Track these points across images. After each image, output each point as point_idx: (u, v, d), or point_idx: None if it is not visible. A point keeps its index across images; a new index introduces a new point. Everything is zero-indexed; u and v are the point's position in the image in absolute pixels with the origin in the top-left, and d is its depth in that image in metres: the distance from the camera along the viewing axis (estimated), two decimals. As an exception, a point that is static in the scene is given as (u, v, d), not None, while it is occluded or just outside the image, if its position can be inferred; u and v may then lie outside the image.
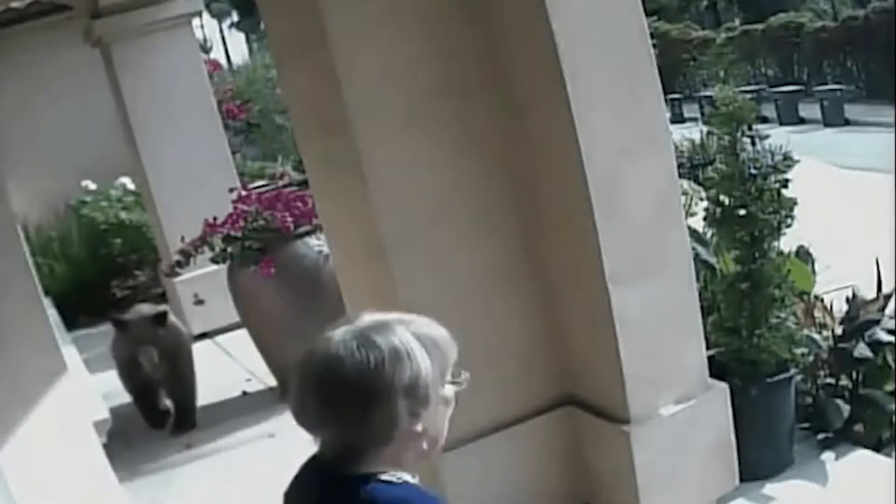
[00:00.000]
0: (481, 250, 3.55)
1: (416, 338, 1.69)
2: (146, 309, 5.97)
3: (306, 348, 1.69)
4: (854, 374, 4.21)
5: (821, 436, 4.06)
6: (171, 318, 5.78)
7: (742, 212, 3.85)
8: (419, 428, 1.65)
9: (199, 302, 7.19)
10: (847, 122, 19.29)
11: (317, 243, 5.63)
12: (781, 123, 19.42)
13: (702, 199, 4.60)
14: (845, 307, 4.43)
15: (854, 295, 4.44)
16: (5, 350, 4.50)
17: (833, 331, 4.29)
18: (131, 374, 5.68)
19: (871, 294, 4.49)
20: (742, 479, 3.63)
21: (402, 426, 1.63)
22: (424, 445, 1.69)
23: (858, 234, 7.77)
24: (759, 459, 3.76)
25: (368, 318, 1.71)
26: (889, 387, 4.18)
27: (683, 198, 4.60)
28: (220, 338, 7.35)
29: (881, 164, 10.54)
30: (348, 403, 1.61)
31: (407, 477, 1.70)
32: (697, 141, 12.43)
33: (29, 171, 9.73)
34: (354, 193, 3.51)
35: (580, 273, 3.44)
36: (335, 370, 1.61)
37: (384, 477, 1.66)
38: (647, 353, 3.40)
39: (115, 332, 5.66)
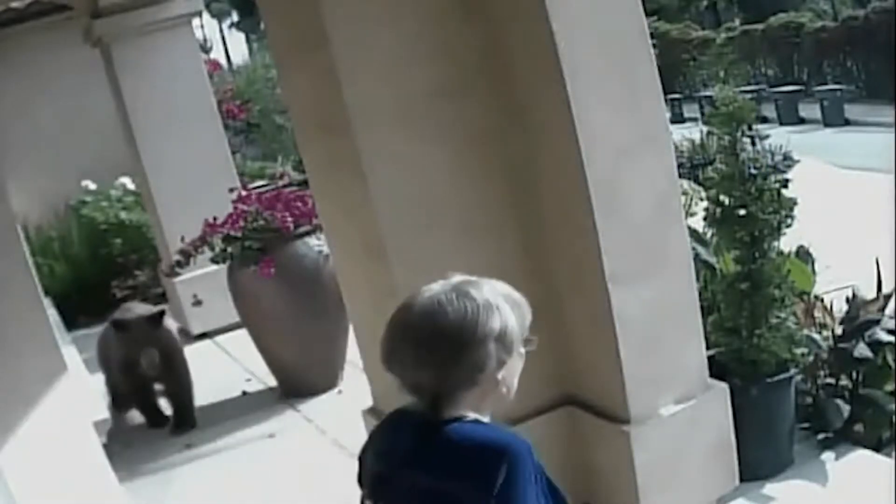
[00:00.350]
0: (481, 250, 3.55)
1: (503, 295, 1.93)
2: (140, 308, 5.98)
3: (403, 302, 1.95)
4: (854, 374, 4.21)
5: (821, 436, 4.06)
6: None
7: (742, 212, 3.85)
8: (500, 375, 1.88)
9: (198, 303, 7.19)
10: (847, 122, 19.30)
11: (317, 243, 5.63)
12: (781, 123, 19.45)
13: (702, 199, 4.60)
14: (845, 307, 4.43)
15: (854, 295, 4.44)
16: (5, 350, 4.50)
17: (833, 331, 4.29)
18: (130, 375, 5.68)
19: (871, 294, 4.49)
20: (742, 479, 3.64)
21: (488, 371, 1.85)
22: (504, 391, 1.92)
23: (858, 234, 7.77)
24: (759, 459, 3.76)
25: (459, 277, 1.99)
26: (889, 387, 4.18)
27: (683, 198, 4.60)
28: (220, 338, 7.35)
29: (881, 164, 10.55)
30: (446, 346, 1.82)
31: (487, 420, 1.92)
32: (697, 141, 12.43)
33: (29, 171, 9.74)
34: (354, 193, 3.51)
35: (580, 273, 3.44)
36: (437, 317, 1.84)
37: (472, 416, 1.88)
38: (647, 353, 3.40)
39: (114, 332, 5.64)
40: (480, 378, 1.85)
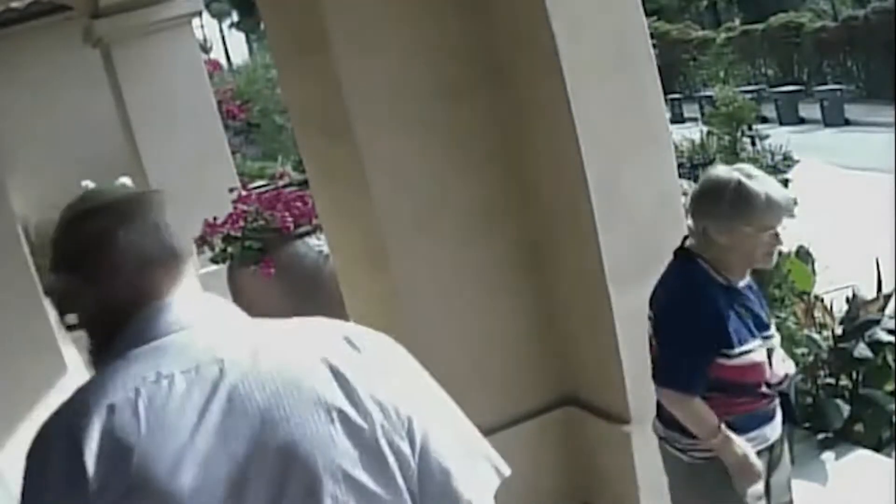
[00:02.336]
0: (481, 250, 3.55)
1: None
2: None
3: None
4: (854, 374, 4.21)
5: (821, 436, 4.06)
6: None
7: (742, 212, 3.85)
8: (725, 241, 2.45)
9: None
10: (847, 122, 19.30)
11: (317, 243, 5.64)
12: (781, 123, 19.44)
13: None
14: (845, 307, 4.44)
15: (854, 295, 4.44)
16: (6, 350, 4.50)
17: (833, 331, 4.29)
18: None
19: (871, 294, 4.49)
20: (742, 479, 3.63)
21: (722, 231, 2.45)
22: (733, 257, 2.47)
23: (858, 234, 7.77)
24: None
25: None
26: (889, 387, 4.18)
27: (683, 197, 4.59)
28: (220, 338, 7.33)
29: (881, 164, 10.56)
30: (713, 200, 2.45)
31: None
32: (697, 141, 12.41)
33: (29, 172, 9.73)
34: (354, 194, 3.51)
35: (580, 273, 3.44)
36: (712, 182, 2.49)
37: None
38: (648, 352, 3.40)
39: None
40: (718, 237, 2.50)
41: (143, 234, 1.37)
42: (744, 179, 2.44)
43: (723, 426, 2.50)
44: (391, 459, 1.31)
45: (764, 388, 2.56)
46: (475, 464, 1.41)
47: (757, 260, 2.53)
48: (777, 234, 2.48)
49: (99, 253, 1.36)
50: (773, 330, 2.59)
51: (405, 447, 1.33)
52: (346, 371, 1.33)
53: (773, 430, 2.63)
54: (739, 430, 2.54)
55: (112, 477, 1.20)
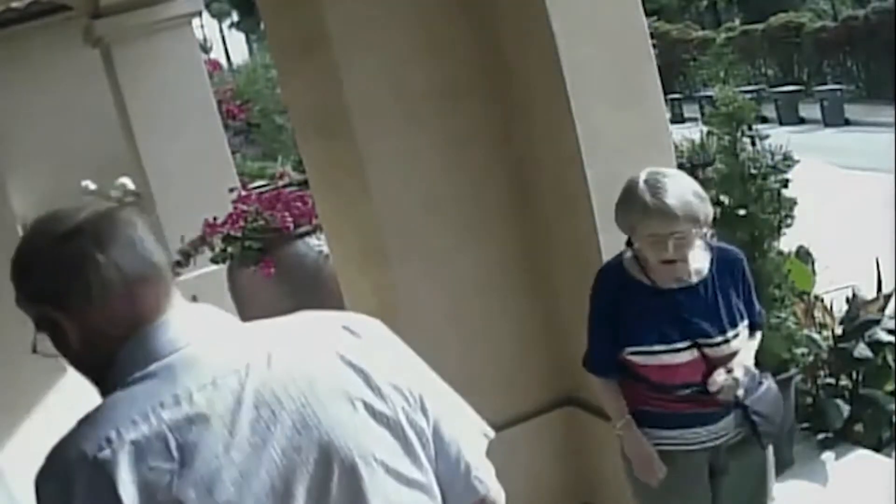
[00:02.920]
0: (481, 250, 3.55)
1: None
2: None
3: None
4: (854, 374, 4.21)
5: (821, 436, 4.06)
6: None
7: (742, 212, 3.85)
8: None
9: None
10: (847, 122, 19.28)
11: (317, 243, 5.63)
12: (781, 123, 19.41)
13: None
14: (845, 307, 4.43)
15: (854, 295, 4.44)
16: (6, 350, 4.50)
17: (833, 331, 4.29)
18: None
19: (871, 294, 4.49)
20: (742, 479, 3.63)
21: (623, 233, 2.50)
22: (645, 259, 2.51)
23: (858, 234, 7.77)
24: (759, 459, 3.76)
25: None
26: (889, 387, 4.18)
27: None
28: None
29: (881, 164, 10.55)
30: (617, 201, 2.50)
31: None
32: (697, 141, 12.41)
33: (29, 171, 9.73)
34: (354, 194, 3.51)
35: (580, 273, 3.44)
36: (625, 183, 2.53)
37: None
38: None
39: None
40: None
41: (122, 253, 1.28)
42: (640, 183, 2.42)
43: (628, 416, 2.59)
44: (414, 439, 1.35)
45: (685, 392, 2.54)
46: (473, 430, 1.48)
47: (657, 266, 2.49)
48: (663, 243, 2.40)
49: (78, 280, 1.26)
50: (719, 338, 2.52)
51: (423, 424, 1.37)
52: (359, 361, 1.35)
53: (712, 434, 2.58)
54: (656, 425, 2.59)
55: None
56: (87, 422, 1.24)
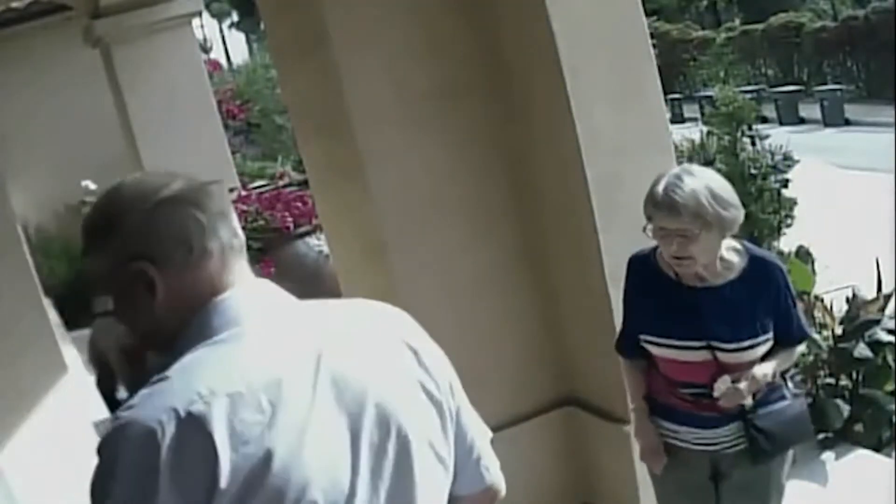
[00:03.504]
0: (481, 250, 3.55)
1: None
2: None
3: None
4: (854, 374, 4.21)
5: (821, 436, 4.06)
6: None
7: (742, 212, 3.85)
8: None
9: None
10: (847, 122, 19.30)
11: (317, 243, 5.64)
12: (781, 123, 19.43)
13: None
14: (845, 307, 4.44)
15: (854, 295, 4.44)
16: (6, 350, 4.50)
17: (833, 331, 4.29)
18: (136, 371, 5.68)
19: (871, 294, 4.49)
20: (742, 479, 3.63)
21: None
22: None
23: (858, 234, 7.77)
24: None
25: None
26: (889, 387, 4.18)
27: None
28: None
29: (881, 164, 10.56)
30: None
31: None
32: (697, 141, 12.42)
33: (29, 172, 9.73)
34: (354, 193, 3.52)
35: (580, 273, 3.44)
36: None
37: None
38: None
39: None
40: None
41: (218, 222, 1.37)
42: (661, 176, 2.44)
43: (642, 402, 2.66)
44: (448, 420, 1.45)
45: (688, 391, 2.54)
46: (481, 423, 1.56)
47: (670, 261, 2.49)
48: (668, 238, 2.41)
49: (183, 242, 1.33)
50: (732, 344, 2.49)
51: (453, 407, 1.47)
52: (410, 340, 1.46)
53: (710, 438, 2.58)
54: (663, 416, 2.64)
55: (242, 461, 1.21)
56: (166, 381, 1.27)
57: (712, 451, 2.59)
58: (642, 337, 2.59)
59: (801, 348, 2.70)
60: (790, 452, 2.67)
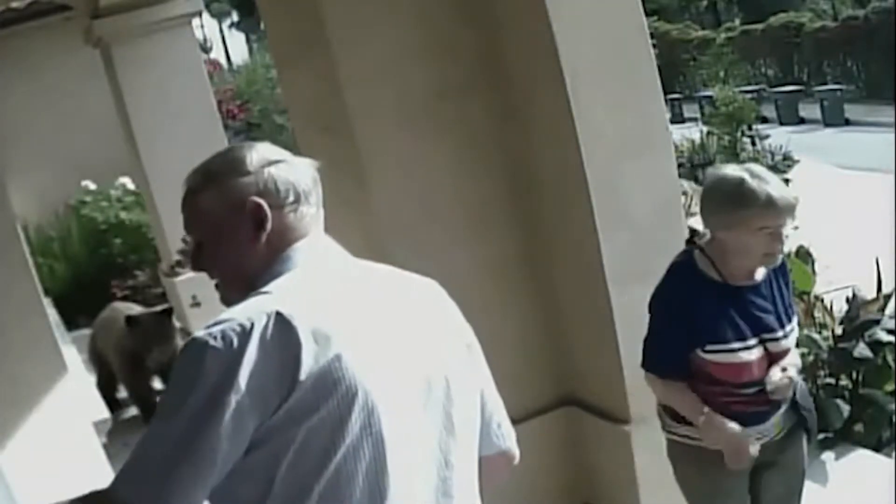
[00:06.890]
0: (481, 250, 3.55)
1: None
2: (135, 308, 6.01)
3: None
4: (854, 374, 4.22)
5: (821, 436, 4.06)
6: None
7: (742, 212, 3.84)
8: (726, 238, 2.49)
9: (196, 304, 7.18)
10: (847, 122, 19.30)
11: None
12: (781, 123, 19.44)
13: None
14: (845, 307, 4.44)
15: (854, 295, 4.44)
16: (6, 350, 4.50)
17: (833, 331, 4.30)
18: (134, 371, 5.69)
19: (871, 294, 4.49)
20: (742, 479, 3.63)
21: (723, 228, 2.49)
22: (733, 256, 2.51)
23: (858, 235, 7.78)
24: (759, 459, 3.76)
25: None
26: (889, 387, 4.18)
27: (683, 198, 4.60)
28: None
29: (881, 164, 10.57)
30: (716, 197, 2.51)
31: None
32: (697, 141, 12.39)
33: (29, 172, 9.74)
34: (354, 194, 3.52)
35: (580, 273, 3.44)
36: (718, 178, 2.55)
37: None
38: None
39: (126, 328, 5.60)
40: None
41: (317, 186, 1.72)
42: (747, 177, 2.44)
43: (707, 408, 2.52)
44: (483, 383, 1.70)
45: (748, 390, 2.54)
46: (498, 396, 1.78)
47: (757, 260, 2.53)
48: (777, 235, 2.47)
49: (314, 190, 1.68)
50: (780, 332, 2.56)
51: (483, 373, 1.71)
52: (451, 304, 1.74)
53: (763, 432, 2.59)
54: None
55: (321, 357, 1.39)
56: (255, 296, 1.46)
57: (764, 442, 2.59)
58: (707, 347, 2.50)
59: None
60: None
